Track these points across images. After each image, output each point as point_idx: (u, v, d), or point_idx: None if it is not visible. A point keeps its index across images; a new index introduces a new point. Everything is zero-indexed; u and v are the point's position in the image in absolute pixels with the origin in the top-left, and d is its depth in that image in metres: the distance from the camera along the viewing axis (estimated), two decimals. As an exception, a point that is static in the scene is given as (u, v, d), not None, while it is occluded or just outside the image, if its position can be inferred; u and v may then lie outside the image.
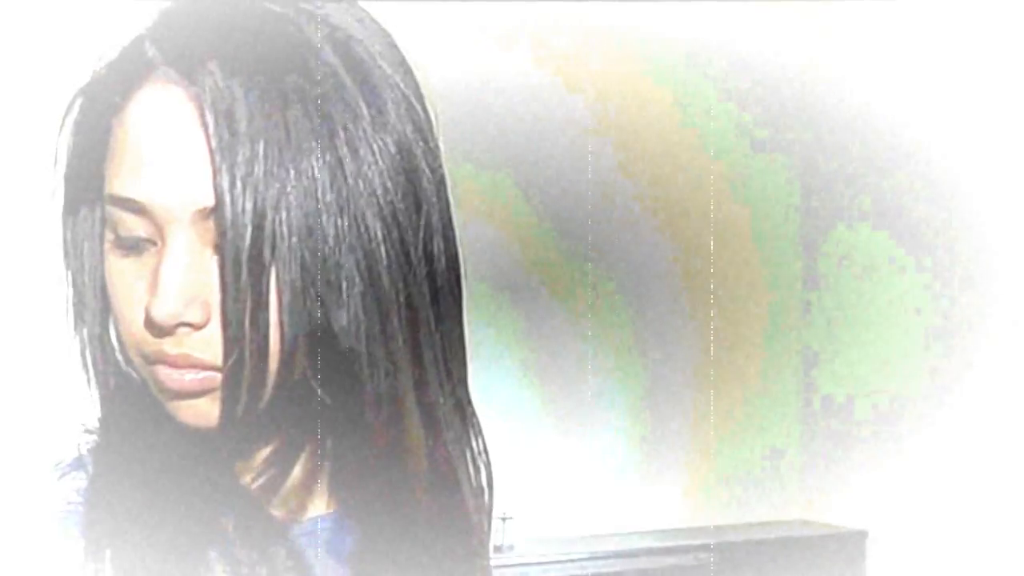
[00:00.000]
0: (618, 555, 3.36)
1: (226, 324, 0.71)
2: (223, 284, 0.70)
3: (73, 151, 0.76)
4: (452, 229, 0.79)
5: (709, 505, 3.79)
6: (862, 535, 3.62)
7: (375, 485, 0.79)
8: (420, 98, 0.77)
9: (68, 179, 0.77)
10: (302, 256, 0.70)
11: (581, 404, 3.59)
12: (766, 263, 3.89)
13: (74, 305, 0.80)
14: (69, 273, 0.79)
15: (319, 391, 0.73)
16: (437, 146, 0.78)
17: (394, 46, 0.77)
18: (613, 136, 3.63)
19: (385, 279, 0.72)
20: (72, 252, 0.79)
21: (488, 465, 0.85)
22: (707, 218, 3.75)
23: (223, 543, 0.76)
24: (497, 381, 3.39)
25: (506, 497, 3.07)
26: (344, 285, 0.71)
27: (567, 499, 3.56)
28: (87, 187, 0.76)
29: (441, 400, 0.78)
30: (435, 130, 0.78)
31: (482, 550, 0.85)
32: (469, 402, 0.83)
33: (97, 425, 0.81)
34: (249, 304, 0.70)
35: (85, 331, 0.80)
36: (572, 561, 3.28)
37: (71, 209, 0.79)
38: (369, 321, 0.72)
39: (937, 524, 3.42)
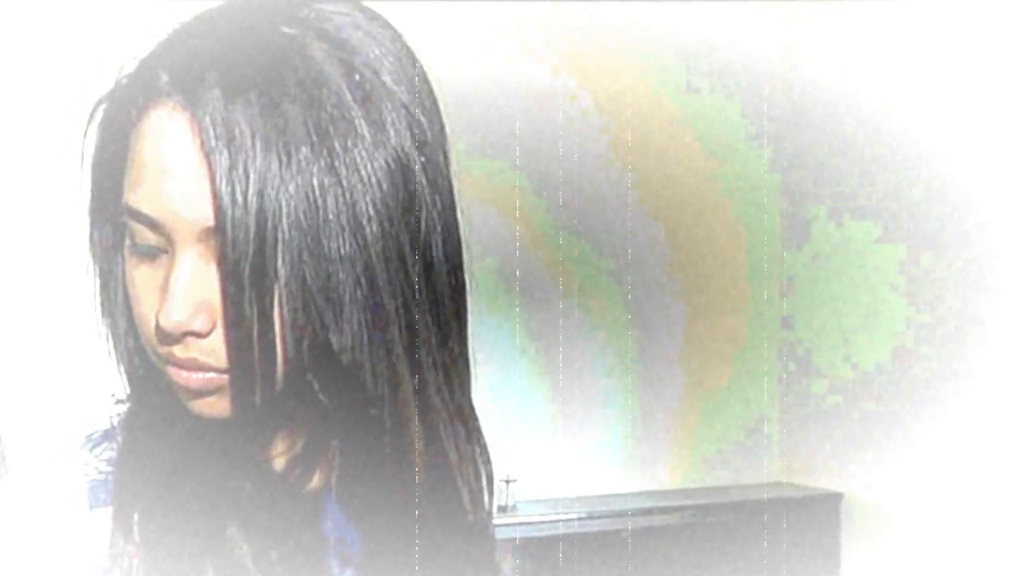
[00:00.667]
0: (611, 515, 3.37)
1: (230, 341, 0.71)
2: (225, 303, 0.71)
3: (97, 154, 0.77)
4: (455, 238, 0.77)
5: (695, 469, 3.80)
6: (837, 497, 3.65)
7: (376, 485, 0.78)
8: (428, 109, 0.76)
9: (94, 180, 0.78)
10: (303, 275, 0.69)
11: (579, 377, 3.59)
12: (748, 249, 3.89)
13: (100, 296, 0.81)
14: (96, 266, 0.80)
15: (323, 398, 0.73)
16: (441, 157, 0.76)
17: (405, 57, 0.76)
18: (607, 124, 3.63)
19: (384, 294, 0.72)
20: (99, 247, 0.80)
21: (488, 467, 0.85)
22: (693, 204, 3.75)
23: (245, 515, 0.77)
24: (501, 357, 3.39)
25: (511, 462, 3.18)
26: (345, 300, 0.70)
27: (566, 463, 3.56)
28: (110, 190, 0.76)
29: (440, 407, 0.78)
30: (443, 140, 0.77)
31: (482, 544, 0.84)
32: (470, 407, 0.82)
33: (126, 398, 0.82)
34: (254, 321, 0.70)
35: (111, 321, 0.81)
36: (570, 520, 3.30)
37: (97, 208, 0.79)
38: (369, 336, 0.72)
39: (908, 486, 3.44)
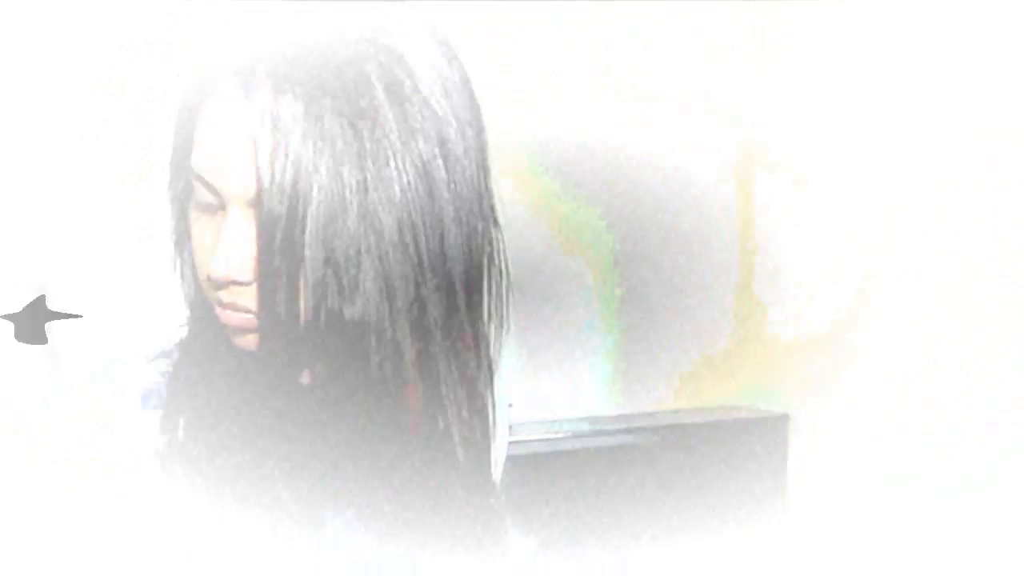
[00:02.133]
0: (586, 434, 3.45)
1: (260, 298, 0.77)
2: (259, 266, 0.77)
3: (178, 116, 0.83)
4: (476, 232, 0.81)
5: (666, 393, 3.92)
6: (785, 418, 3.69)
7: (376, 436, 0.83)
8: (463, 118, 0.79)
9: (175, 137, 0.84)
10: (325, 251, 0.74)
11: (565, 310, 3.69)
12: (711, 200, 3.96)
13: (174, 236, 0.89)
14: (173, 210, 0.88)
15: (335, 358, 0.78)
16: (473, 155, 0.80)
17: (447, 65, 0.80)
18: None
19: (395, 276, 0.76)
20: (175, 194, 0.87)
21: (492, 432, 0.88)
22: (664, 167, 3.81)
23: (273, 426, 0.82)
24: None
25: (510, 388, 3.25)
26: (359, 278, 0.75)
27: (553, 389, 3.69)
28: (184, 148, 0.82)
29: (446, 376, 0.83)
30: (477, 144, 0.80)
31: (479, 506, 0.87)
32: (484, 379, 0.86)
33: (187, 323, 0.89)
34: (281, 284, 0.76)
35: (180, 259, 0.89)
36: (551, 439, 3.43)
37: (175, 162, 0.86)
38: (377, 310, 0.77)
39: (850, 409, 3.58)
